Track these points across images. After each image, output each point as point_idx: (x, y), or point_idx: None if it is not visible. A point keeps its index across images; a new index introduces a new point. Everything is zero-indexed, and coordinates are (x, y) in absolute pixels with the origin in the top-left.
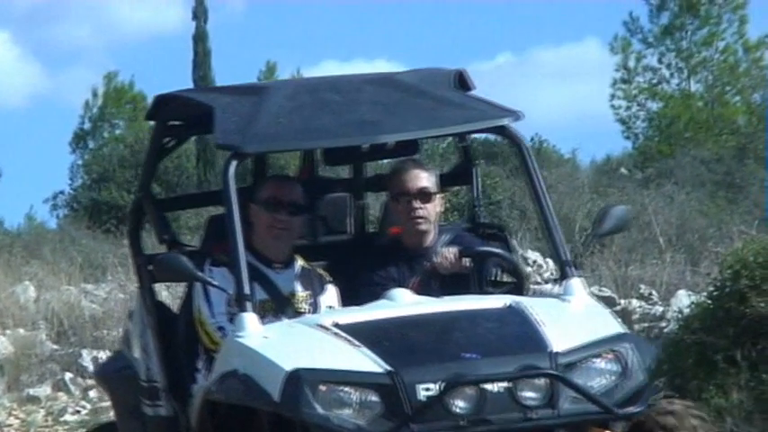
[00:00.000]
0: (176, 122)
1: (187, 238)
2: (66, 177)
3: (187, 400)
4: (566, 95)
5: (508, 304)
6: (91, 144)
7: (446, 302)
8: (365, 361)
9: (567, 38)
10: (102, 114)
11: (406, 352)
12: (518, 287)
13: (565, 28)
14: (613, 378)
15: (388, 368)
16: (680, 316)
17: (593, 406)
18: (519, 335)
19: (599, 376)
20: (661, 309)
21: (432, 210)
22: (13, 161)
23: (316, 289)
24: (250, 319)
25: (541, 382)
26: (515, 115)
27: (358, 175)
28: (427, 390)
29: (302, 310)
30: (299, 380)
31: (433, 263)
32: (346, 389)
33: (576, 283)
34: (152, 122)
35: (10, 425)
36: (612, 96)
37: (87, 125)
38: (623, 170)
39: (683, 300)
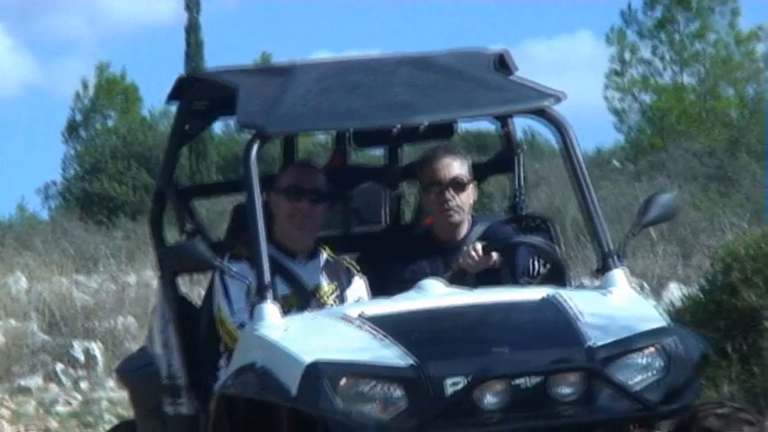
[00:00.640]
0: (200, 105)
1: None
2: (58, 168)
3: (209, 399)
4: (558, 88)
5: (544, 296)
6: (83, 135)
7: (479, 294)
8: (390, 354)
9: (560, 30)
10: (94, 106)
11: (434, 345)
12: (558, 278)
13: (558, 20)
14: (655, 374)
15: (414, 361)
16: (671, 309)
17: (633, 403)
18: (554, 328)
19: (640, 372)
20: (653, 301)
21: (465, 200)
22: (4, 152)
23: (342, 282)
24: (270, 310)
25: (577, 377)
26: (556, 97)
27: (392, 162)
28: (455, 384)
29: (328, 305)
30: (318, 373)
31: (459, 264)
32: (369, 383)
33: (618, 275)
34: (173, 106)
35: (1, 416)
36: (606, 87)
37: (78, 116)
38: (615, 162)
39: (675, 292)
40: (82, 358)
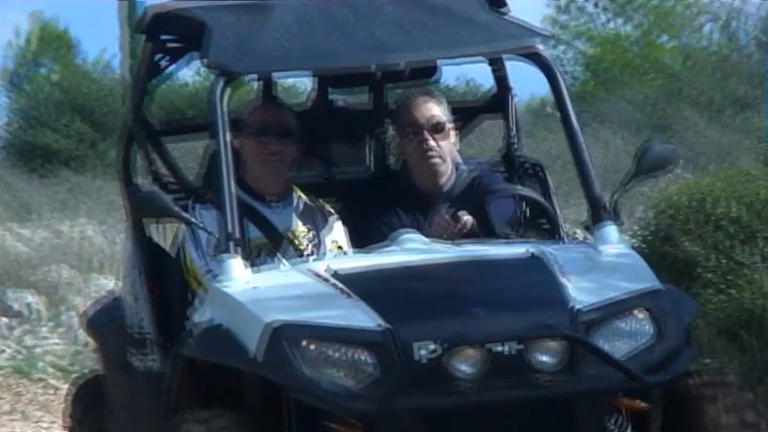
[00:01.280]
0: (170, 39)
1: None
2: None
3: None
4: None
5: (528, 252)
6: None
7: (459, 250)
8: (359, 315)
9: None
10: (33, 56)
11: (407, 306)
12: (550, 230)
13: None
14: (645, 340)
15: (384, 324)
16: None
17: (619, 373)
18: (536, 288)
19: (627, 338)
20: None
21: (445, 143)
22: None
23: (319, 225)
24: (235, 263)
25: (558, 344)
26: (544, 36)
27: (378, 103)
28: (426, 350)
29: (303, 248)
30: (281, 335)
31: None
32: (336, 347)
33: (610, 230)
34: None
35: None
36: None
37: (11, 65)
38: (548, 109)
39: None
40: (23, 310)
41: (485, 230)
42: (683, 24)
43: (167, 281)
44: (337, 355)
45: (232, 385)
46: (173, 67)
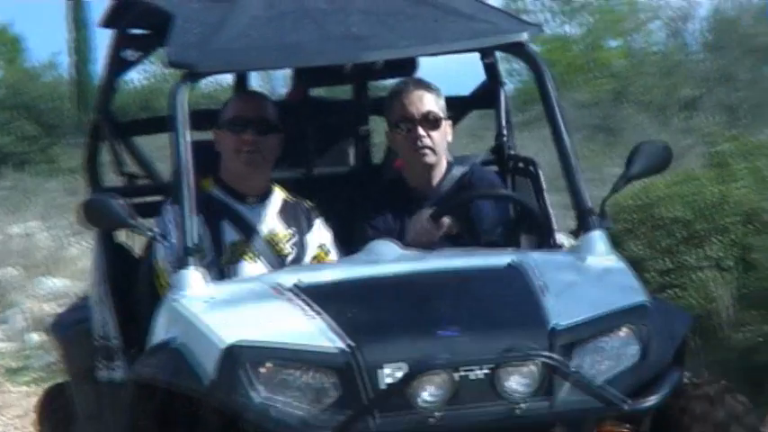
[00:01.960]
0: (138, 31)
1: None
2: None
3: None
4: None
5: (509, 262)
6: None
7: (437, 259)
8: (321, 334)
9: None
10: None
11: (374, 324)
12: (541, 234)
13: None
14: (629, 361)
15: (347, 345)
16: None
17: (597, 399)
18: (514, 304)
19: (609, 359)
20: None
21: (439, 139)
22: None
23: (302, 227)
24: (193, 276)
25: (532, 367)
26: (533, 28)
27: (360, 95)
28: (392, 374)
29: (285, 253)
30: (235, 357)
31: (408, 241)
32: (295, 370)
33: (597, 237)
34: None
35: None
36: None
37: None
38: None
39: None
40: None
41: (468, 234)
42: (629, 26)
43: (136, 286)
44: (296, 378)
45: (191, 408)
46: (142, 59)
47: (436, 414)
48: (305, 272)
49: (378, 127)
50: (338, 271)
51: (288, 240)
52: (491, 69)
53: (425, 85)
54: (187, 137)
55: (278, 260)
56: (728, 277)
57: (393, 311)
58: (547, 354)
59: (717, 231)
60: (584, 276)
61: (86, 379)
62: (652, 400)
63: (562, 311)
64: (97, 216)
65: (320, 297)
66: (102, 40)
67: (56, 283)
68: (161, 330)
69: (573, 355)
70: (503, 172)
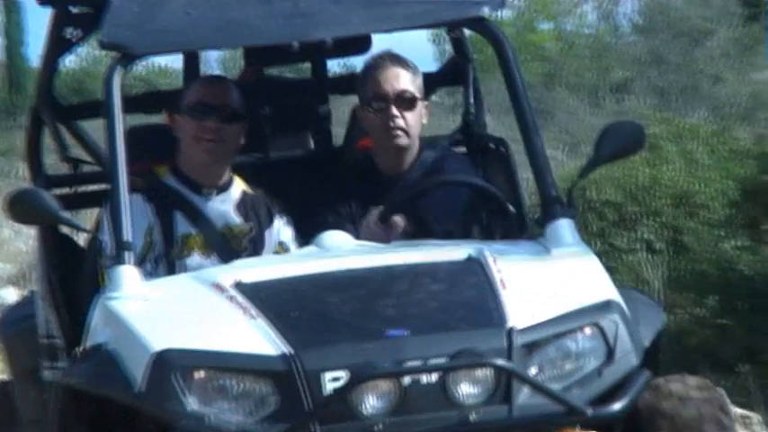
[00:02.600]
0: (80, 9)
1: None
2: None
3: None
4: None
5: (467, 256)
6: None
7: (391, 253)
8: (260, 338)
9: None
10: None
11: (317, 326)
12: (513, 224)
13: None
14: (594, 363)
15: (288, 350)
16: None
17: (557, 405)
18: (469, 303)
19: (573, 360)
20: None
21: (414, 120)
22: None
23: (262, 221)
24: (128, 273)
25: (487, 372)
26: (494, 2)
27: (319, 74)
28: (336, 380)
29: (240, 248)
30: (166, 363)
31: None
32: (230, 377)
33: (564, 227)
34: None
35: None
36: None
37: None
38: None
39: None
40: None
41: (424, 231)
42: (561, 9)
43: (81, 281)
44: (232, 386)
45: (126, 416)
46: (85, 39)
47: (382, 423)
48: (247, 268)
49: (338, 107)
50: (283, 267)
51: (245, 235)
52: (458, 44)
53: (402, 62)
54: (119, 123)
55: (232, 256)
56: (659, 260)
57: (339, 311)
58: (497, 361)
59: (648, 214)
60: (549, 270)
61: (30, 380)
62: (617, 407)
63: (522, 309)
64: (25, 211)
65: (262, 297)
66: (35, 23)
67: None
68: (93, 332)
69: (533, 357)
70: (472, 153)
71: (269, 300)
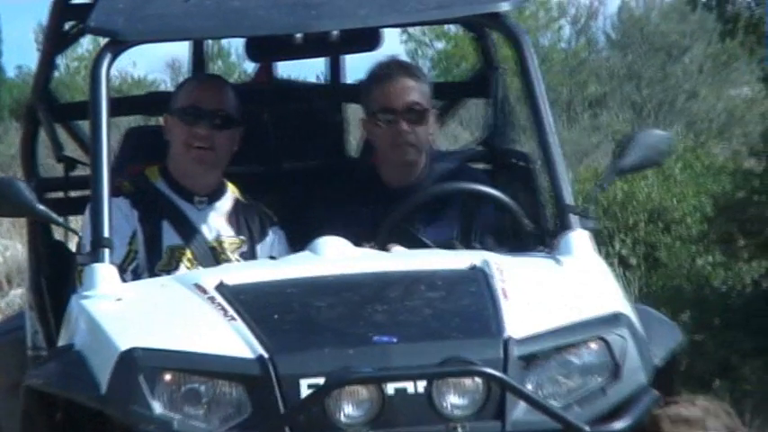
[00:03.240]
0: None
1: None
2: None
3: None
4: None
5: (471, 265)
6: None
7: (387, 260)
8: (236, 340)
9: None
10: None
11: (299, 330)
12: (533, 241)
13: None
14: (598, 379)
15: (263, 353)
16: None
17: (554, 422)
18: (466, 311)
19: (576, 376)
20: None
21: (423, 134)
22: None
23: (255, 234)
24: (104, 272)
25: (476, 383)
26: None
27: (334, 78)
28: (313, 387)
29: (230, 261)
30: (131, 364)
31: None
32: (201, 380)
33: (578, 238)
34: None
35: None
36: (403, 33)
37: None
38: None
39: None
40: None
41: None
42: (537, 24)
43: (71, 288)
44: (201, 389)
45: (95, 420)
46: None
47: None
48: (233, 270)
49: (353, 115)
50: (272, 270)
51: (236, 249)
52: (484, 51)
53: (410, 71)
54: (104, 114)
55: None
56: (634, 275)
57: (325, 316)
58: (486, 369)
59: (623, 229)
60: (557, 281)
61: (15, 394)
62: (617, 426)
63: (523, 319)
64: (3, 201)
65: (243, 299)
66: (9, 33)
67: None
68: (64, 332)
69: (531, 370)
70: (495, 168)
71: (251, 302)
